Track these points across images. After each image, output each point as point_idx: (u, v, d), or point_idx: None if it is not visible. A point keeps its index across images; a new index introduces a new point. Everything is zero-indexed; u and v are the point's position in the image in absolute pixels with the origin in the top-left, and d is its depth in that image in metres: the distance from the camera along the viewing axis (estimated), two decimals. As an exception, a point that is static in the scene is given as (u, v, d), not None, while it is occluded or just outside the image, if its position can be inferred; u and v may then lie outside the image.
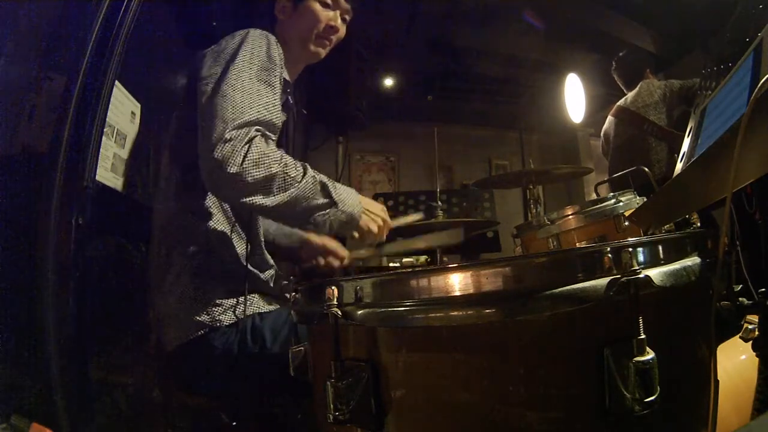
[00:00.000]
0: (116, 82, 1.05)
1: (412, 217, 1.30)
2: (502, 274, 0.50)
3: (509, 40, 3.46)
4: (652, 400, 0.47)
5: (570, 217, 1.23)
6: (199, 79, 0.94)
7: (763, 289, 0.63)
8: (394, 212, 1.23)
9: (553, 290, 0.48)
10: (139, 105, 1.30)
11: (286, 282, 1.14)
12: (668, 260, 0.54)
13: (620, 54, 2.73)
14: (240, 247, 1.03)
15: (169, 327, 0.96)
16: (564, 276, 0.49)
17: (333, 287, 0.58)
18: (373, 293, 0.56)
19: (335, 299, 0.57)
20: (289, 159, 0.90)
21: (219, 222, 1.01)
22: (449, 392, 0.53)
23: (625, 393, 0.47)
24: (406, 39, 3.45)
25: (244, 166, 0.83)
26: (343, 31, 1.18)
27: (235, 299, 0.96)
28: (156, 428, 1.15)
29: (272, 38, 1.01)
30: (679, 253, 0.57)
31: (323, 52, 1.17)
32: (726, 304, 0.61)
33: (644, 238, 0.56)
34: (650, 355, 0.47)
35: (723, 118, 0.58)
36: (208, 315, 0.93)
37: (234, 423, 1.02)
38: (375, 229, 1.01)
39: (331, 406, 0.55)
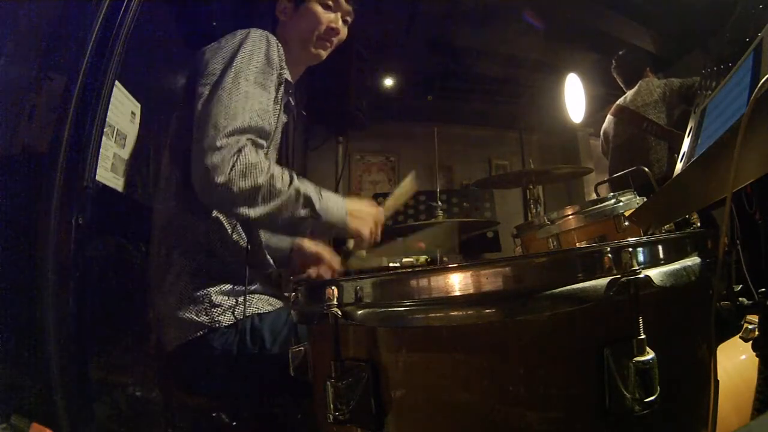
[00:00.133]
0: (116, 82, 1.05)
1: (403, 189, 1.26)
2: (502, 274, 0.50)
3: (509, 40, 3.45)
4: (652, 400, 0.47)
5: (570, 217, 1.24)
6: (197, 78, 0.94)
7: (763, 289, 0.63)
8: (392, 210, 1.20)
9: (553, 290, 0.48)
10: (139, 105, 1.30)
11: (278, 273, 1.13)
12: (668, 260, 0.54)
13: (620, 53, 2.73)
14: (240, 247, 1.03)
15: (169, 327, 0.95)
16: (564, 276, 0.49)
17: (333, 287, 0.58)
18: (373, 293, 0.56)
19: (335, 299, 0.57)
20: (276, 170, 0.90)
21: (219, 222, 1.01)
22: (449, 392, 0.53)
23: (625, 393, 0.47)
24: (406, 39, 3.45)
25: (231, 176, 0.84)
26: (344, 32, 1.18)
27: (234, 300, 0.96)
28: (156, 428, 1.15)
29: (273, 39, 1.01)
30: (679, 253, 0.57)
31: (324, 54, 1.17)
32: (726, 304, 0.61)
33: (644, 238, 0.56)
34: (650, 355, 0.47)
35: (723, 118, 0.58)
36: (208, 316, 0.93)
37: (234, 423, 1.02)
38: (366, 232, 1.01)
39: (331, 406, 0.55)
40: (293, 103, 1.17)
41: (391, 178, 4.63)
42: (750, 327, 0.67)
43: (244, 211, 0.87)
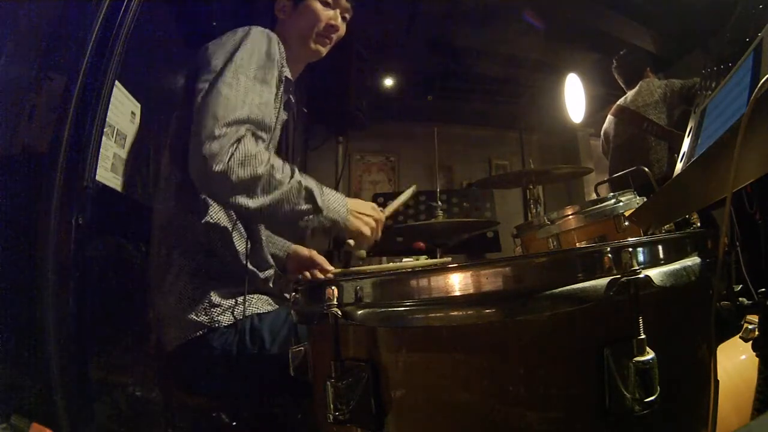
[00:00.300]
0: (116, 82, 1.05)
1: (404, 196, 1.26)
2: (502, 274, 0.50)
3: (509, 40, 3.45)
4: (652, 400, 0.47)
5: (570, 217, 1.23)
6: (197, 76, 0.94)
7: (763, 289, 0.63)
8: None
9: (553, 290, 0.48)
10: (139, 105, 1.29)
11: (278, 273, 1.13)
12: (668, 260, 0.55)
13: (621, 53, 2.73)
14: (240, 246, 1.03)
15: (169, 327, 0.95)
16: (564, 276, 0.49)
17: (333, 287, 0.58)
18: (373, 293, 0.56)
19: (335, 299, 0.57)
20: (277, 161, 0.90)
21: (219, 221, 1.01)
22: (449, 392, 0.53)
23: (625, 393, 0.47)
24: (406, 39, 3.45)
25: (230, 164, 0.83)
26: (343, 29, 1.18)
27: (234, 300, 0.96)
28: (156, 428, 1.15)
29: (273, 36, 1.01)
30: (679, 253, 0.57)
31: (324, 50, 1.17)
32: (726, 304, 0.61)
33: (644, 238, 0.56)
34: (650, 355, 0.47)
35: (723, 118, 0.58)
36: (207, 315, 0.93)
37: (234, 423, 1.02)
38: (367, 231, 1.00)
39: (331, 406, 0.55)
40: (293, 101, 1.17)
41: (391, 178, 4.63)
42: (750, 327, 0.67)
43: (242, 201, 0.85)
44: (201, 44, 1.01)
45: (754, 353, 0.67)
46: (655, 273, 0.50)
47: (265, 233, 1.25)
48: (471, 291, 0.51)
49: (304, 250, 1.29)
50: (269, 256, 1.14)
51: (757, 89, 0.44)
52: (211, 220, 1.00)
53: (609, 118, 2.72)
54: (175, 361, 0.97)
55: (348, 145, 3.62)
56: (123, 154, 1.24)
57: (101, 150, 1.03)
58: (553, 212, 1.28)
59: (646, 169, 1.46)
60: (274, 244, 1.28)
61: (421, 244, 2.59)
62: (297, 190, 0.90)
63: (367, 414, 0.55)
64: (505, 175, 3.54)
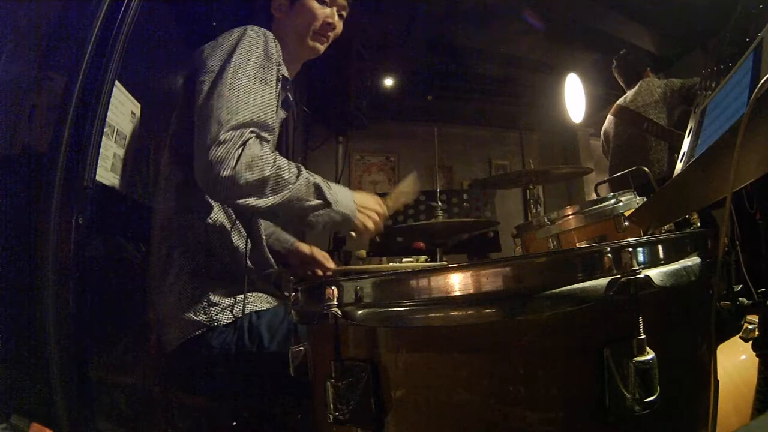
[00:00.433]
0: (116, 82, 1.05)
1: (405, 186, 1.25)
2: (502, 274, 0.50)
3: (509, 40, 3.46)
4: (652, 400, 0.47)
5: (570, 217, 1.23)
6: (196, 77, 0.94)
7: (763, 289, 0.63)
8: (392, 213, 1.20)
9: (553, 290, 0.48)
10: (139, 105, 1.30)
11: (278, 272, 1.13)
12: (668, 260, 0.54)
13: (621, 52, 2.73)
14: (240, 245, 1.03)
15: (169, 327, 0.96)
16: (564, 276, 0.49)
17: (333, 287, 0.58)
18: (373, 293, 0.56)
19: (335, 299, 0.57)
20: (282, 161, 0.90)
21: (219, 221, 1.01)
22: (449, 392, 0.53)
23: (625, 393, 0.47)
24: (406, 39, 3.45)
25: (237, 168, 0.84)
26: (340, 27, 1.18)
27: (233, 298, 0.96)
28: (155, 428, 1.15)
29: (270, 35, 1.01)
30: (679, 253, 0.57)
31: (322, 48, 1.17)
32: (726, 304, 0.61)
33: (644, 238, 0.56)
34: (650, 355, 0.47)
35: (723, 118, 0.58)
36: (206, 314, 0.93)
37: (233, 422, 1.02)
38: (371, 225, 1.02)
39: (331, 406, 0.55)
40: (291, 99, 1.17)
41: (391, 178, 4.64)
42: (750, 327, 0.67)
43: (252, 202, 0.86)
44: (201, 44, 1.01)
45: (754, 353, 0.67)
46: (655, 273, 0.50)
47: (269, 230, 1.25)
48: (471, 291, 0.51)
49: (305, 247, 1.30)
50: (269, 256, 1.14)
51: (757, 89, 0.44)
52: (211, 220, 1.00)
53: (609, 118, 2.72)
54: (174, 361, 0.97)
55: (348, 145, 3.63)
56: (123, 154, 1.24)
57: (101, 150, 1.03)
58: (553, 212, 1.28)
59: (646, 169, 1.46)
60: (279, 240, 1.29)
61: (421, 244, 2.59)
62: (306, 186, 0.91)
63: (367, 414, 0.55)
64: (505, 175, 3.54)
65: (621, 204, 1.18)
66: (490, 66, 3.83)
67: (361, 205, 1.01)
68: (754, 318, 0.66)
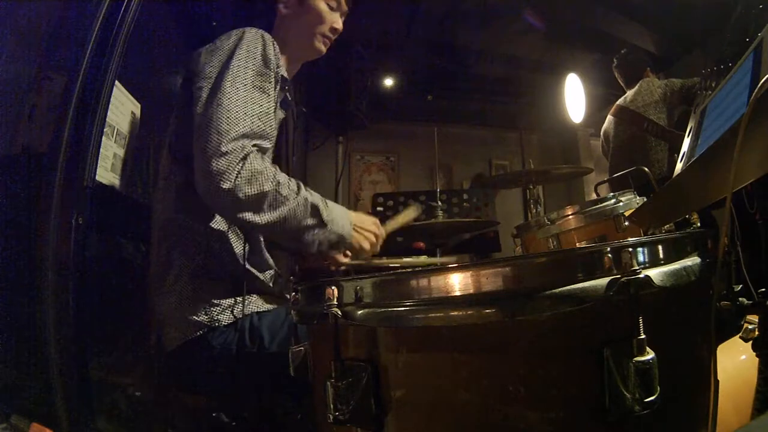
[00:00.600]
0: (116, 82, 1.05)
1: (405, 216, 1.27)
2: (502, 274, 0.50)
3: (509, 40, 3.46)
4: (652, 400, 0.47)
5: (570, 217, 1.23)
6: (194, 81, 0.94)
7: (763, 289, 0.63)
8: (392, 213, 1.21)
9: (553, 290, 0.48)
10: (139, 105, 1.30)
11: (277, 273, 1.13)
12: (668, 260, 0.55)
13: (621, 52, 2.73)
14: (239, 247, 1.03)
15: (169, 327, 0.96)
16: (564, 276, 0.49)
17: (333, 287, 0.58)
18: (373, 293, 0.56)
19: (335, 299, 0.57)
20: (282, 177, 0.90)
21: (218, 222, 1.01)
22: (449, 392, 0.53)
23: (625, 393, 0.47)
24: (406, 39, 3.45)
25: (237, 182, 0.84)
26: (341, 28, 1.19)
27: (233, 299, 0.96)
28: (155, 428, 1.15)
29: (268, 37, 1.00)
30: (679, 253, 0.57)
31: (325, 49, 1.17)
32: (726, 304, 0.61)
33: (644, 238, 0.56)
34: (650, 355, 0.47)
35: (723, 118, 0.58)
36: (207, 315, 0.93)
37: (233, 422, 1.02)
38: (367, 246, 1.02)
39: (331, 406, 0.55)
40: (290, 99, 1.17)
41: (391, 178, 4.63)
42: (750, 327, 0.67)
43: (250, 217, 0.87)
44: (201, 45, 1.01)
45: (754, 353, 0.67)
46: (655, 273, 0.50)
47: None
48: (471, 291, 0.51)
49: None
50: (269, 257, 1.14)
51: (757, 89, 0.44)
52: (210, 221, 1.00)
53: (609, 118, 2.72)
54: (175, 361, 0.97)
55: (348, 145, 3.63)
56: (123, 154, 1.24)
57: (101, 150, 1.03)
58: (553, 212, 1.28)
59: (646, 169, 1.46)
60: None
61: (421, 244, 2.59)
62: (303, 205, 0.91)
63: (367, 414, 0.55)
64: (505, 175, 3.54)
65: (621, 204, 1.18)
66: (490, 66, 3.82)
67: (358, 226, 1.01)
68: (754, 318, 0.65)
